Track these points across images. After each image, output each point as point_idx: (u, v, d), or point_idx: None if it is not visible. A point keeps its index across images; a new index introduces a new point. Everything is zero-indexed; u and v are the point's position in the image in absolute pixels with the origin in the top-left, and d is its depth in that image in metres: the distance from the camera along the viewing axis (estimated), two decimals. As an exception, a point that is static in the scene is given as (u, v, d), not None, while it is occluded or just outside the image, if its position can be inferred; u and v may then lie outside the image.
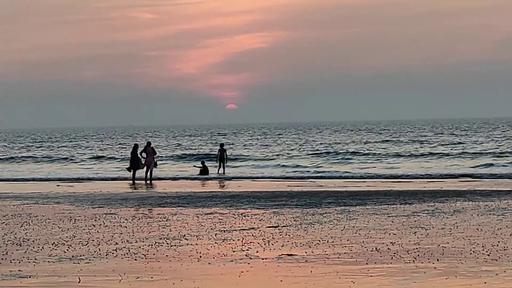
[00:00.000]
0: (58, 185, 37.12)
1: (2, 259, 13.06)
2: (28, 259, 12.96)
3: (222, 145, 48.81)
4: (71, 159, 69.77)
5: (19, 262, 12.65)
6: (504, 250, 13.01)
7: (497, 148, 67.29)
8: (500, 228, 15.97)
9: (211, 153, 51.28)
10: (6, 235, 16.37)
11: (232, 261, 12.50)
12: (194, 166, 47.59)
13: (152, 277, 11.15)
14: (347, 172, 47.19)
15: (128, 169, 40.27)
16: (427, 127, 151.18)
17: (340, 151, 69.33)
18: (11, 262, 12.74)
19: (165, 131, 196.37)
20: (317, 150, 75.23)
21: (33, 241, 15.30)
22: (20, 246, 14.61)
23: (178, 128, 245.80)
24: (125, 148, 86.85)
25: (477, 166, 49.34)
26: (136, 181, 38.88)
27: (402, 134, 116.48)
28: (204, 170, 45.14)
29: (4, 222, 18.99)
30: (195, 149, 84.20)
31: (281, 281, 10.76)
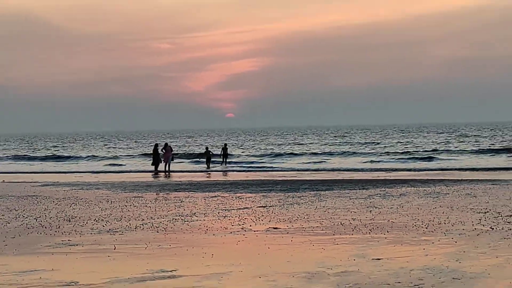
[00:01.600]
0: (75, 177, 36.76)
1: (56, 231, 13.07)
2: (75, 232, 12.97)
3: (225, 144, 48.96)
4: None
5: (69, 234, 12.67)
6: (438, 224, 13.06)
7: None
8: (435, 208, 16.01)
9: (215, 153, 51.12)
10: (59, 213, 16.38)
11: (231, 233, 12.52)
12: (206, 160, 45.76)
13: (170, 245, 11.15)
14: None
15: (152, 164, 40.27)
16: (369, 132, 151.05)
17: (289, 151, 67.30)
18: (62, 234, 12.75)
19: (178, 134, 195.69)
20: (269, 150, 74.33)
21: (79, 217, 15.32)
22: (69, 221, 14.62)
23: (188, 132, 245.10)
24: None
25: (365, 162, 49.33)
26: (159, 172, 38.90)
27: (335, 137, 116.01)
28: (208, 155, 44.91)
29: (57, 203, 18.99)
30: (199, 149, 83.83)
31: (268, 248, 10.77)
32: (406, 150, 62.06)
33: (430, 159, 50.12)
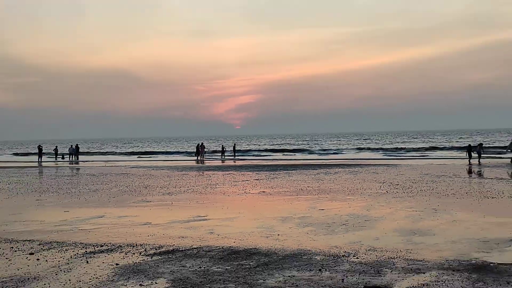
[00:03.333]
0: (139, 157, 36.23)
1: (138, 194, 13.07)
2: (149, 194, 12.98)
3: (234, 144, 48.46)
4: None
5: (145, 195, 12.68)
6: (356, 189, 13.12)
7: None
8: (355, 180, 16.07)
9: (227, 149, 50.61)
10: (140, 183, 16.36)
11: (238, 194, 12.56)
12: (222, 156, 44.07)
13: (203, 202, 11.17)
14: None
15: (195, 154, 40.17)
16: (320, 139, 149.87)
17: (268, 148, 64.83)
18: (142, 195, 12.76)
19: (207, 139, 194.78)
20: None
21: (151, 186, 15.31)
22: (146, 188, 14.63)
23: (214, 137, 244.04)
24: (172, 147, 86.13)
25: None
26: (199, 160, 38.77)
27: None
28: (222, 151, 44.46)
29: (139, 178, 18.97)
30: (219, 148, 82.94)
31: (260, 203, 10.80)
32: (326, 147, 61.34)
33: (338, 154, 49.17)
